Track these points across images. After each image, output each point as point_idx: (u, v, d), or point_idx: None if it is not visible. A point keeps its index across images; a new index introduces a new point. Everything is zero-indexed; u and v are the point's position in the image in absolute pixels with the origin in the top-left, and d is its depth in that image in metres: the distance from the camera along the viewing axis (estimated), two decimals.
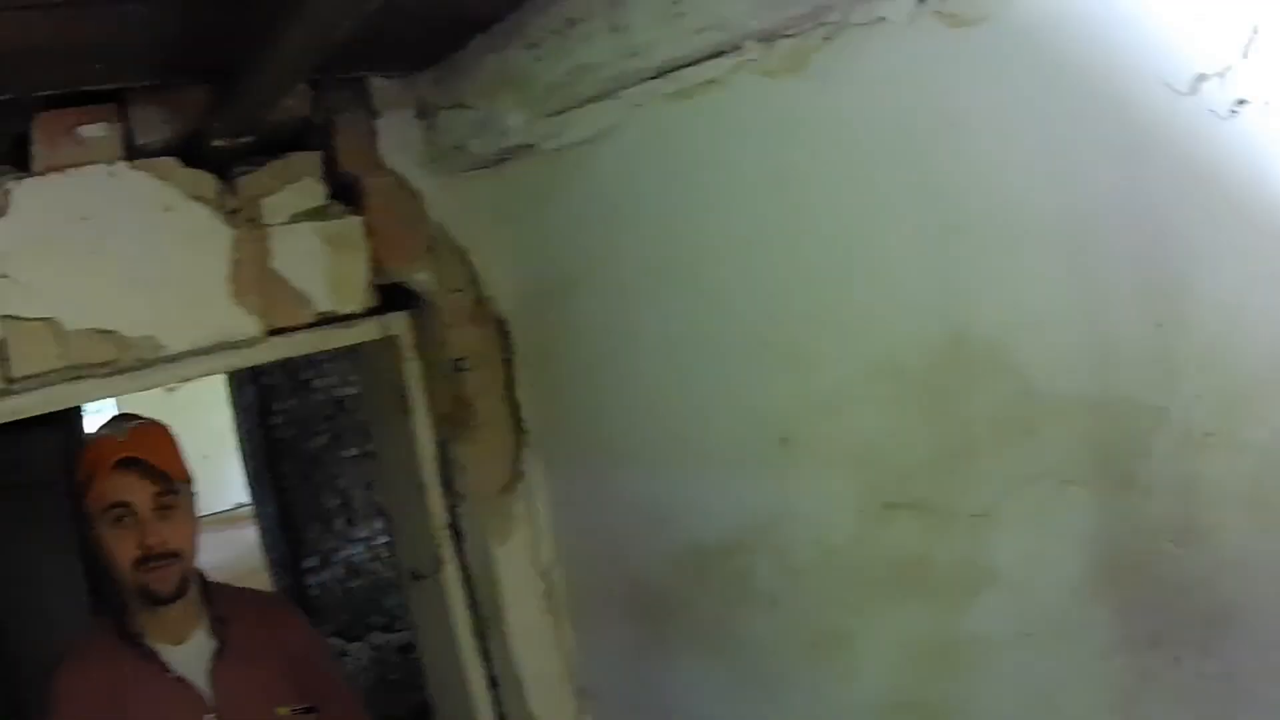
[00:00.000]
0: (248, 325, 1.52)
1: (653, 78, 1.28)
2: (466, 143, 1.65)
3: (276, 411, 5.34)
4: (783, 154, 1.19)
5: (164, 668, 1.35)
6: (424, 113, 1.68)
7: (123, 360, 1.46)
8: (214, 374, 1.60)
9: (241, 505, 6.59)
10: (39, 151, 1.43)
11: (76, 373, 1.45)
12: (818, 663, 1.31)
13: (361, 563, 5.52)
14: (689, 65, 1.23)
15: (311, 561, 5.34)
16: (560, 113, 1.47)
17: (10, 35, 1.18)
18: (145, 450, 1.30)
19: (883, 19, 1.03)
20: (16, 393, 1.43)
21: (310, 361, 5.15)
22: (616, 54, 1.27)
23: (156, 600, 1.31)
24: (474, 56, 1.58)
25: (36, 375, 1.41)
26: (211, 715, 1.35)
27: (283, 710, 1.41)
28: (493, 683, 1.77)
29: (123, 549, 1.30)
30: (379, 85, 1.63)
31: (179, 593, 1.33)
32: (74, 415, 4.69)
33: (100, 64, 1.40)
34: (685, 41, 1.19)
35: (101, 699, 1.34)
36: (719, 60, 1.20)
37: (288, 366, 5.06)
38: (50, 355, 1.41)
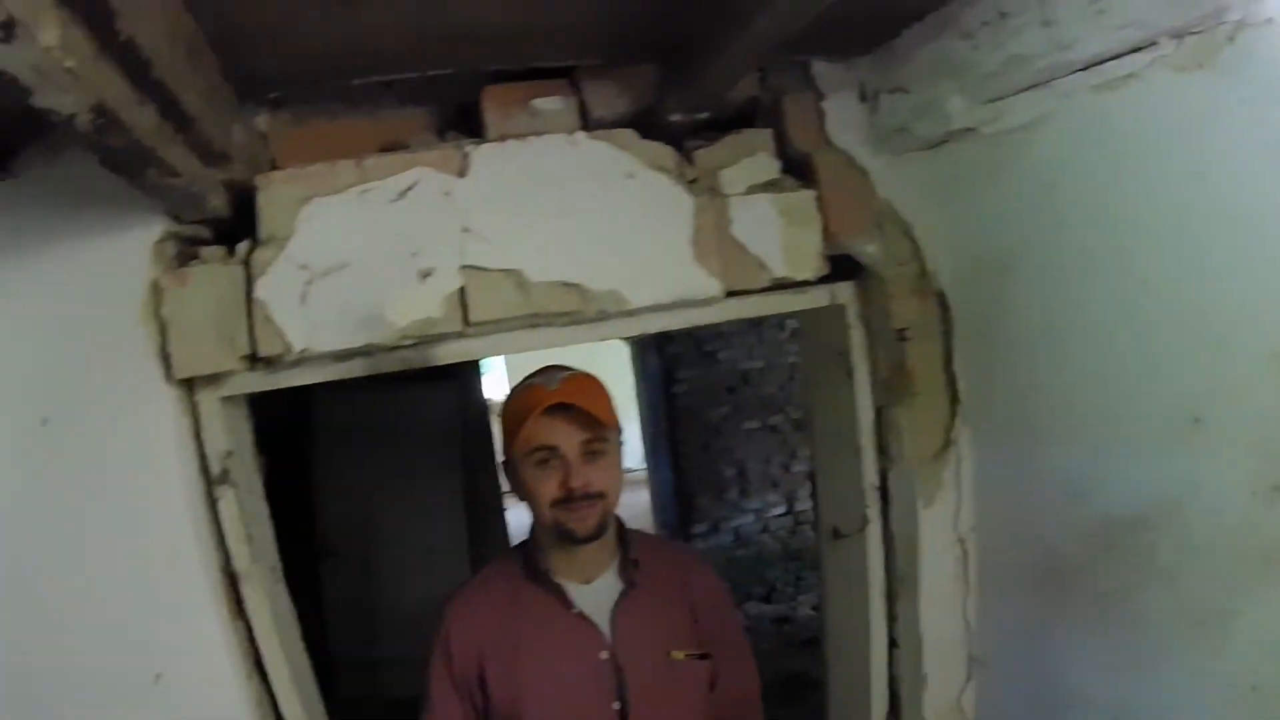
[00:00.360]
0: (709, 285, 1.59)
1: (1080, 70, 1.36)
2: (909, 125, 1.70)
3: (680, 380, 5.55)
4: (1197, 146, 1.25)
5: (567, 604, 1.38)
6: (865, 95, 1.73)
7: (585, 311, 1.55)
8: (670, 328, 1.69)
9: (634, 470, 6.76)
10: (491, 121, 1.58)
11: (535, 321, 1.55)
12: (1195, 641, 1.33)
13: (750, 534, 5.66)
14: (1111, 59, 1.31)
15: (701, 528, 5.55)
16: (997, 99, 1.52)
17: (467, 17, 1.35)
18: (576, 397, 1.31)
19: (1270, 20, 1.11)
20: (471, 335, 1.55)
21: (716, 333, 5.37)
22: (1047, 46, 1.36)
23: (573, 539, 1.33)
24: (910, 44, 1.65)
25: (494, 321, 1.52)
26: (606, 653, 1.37)
27: (677, 654, 1.41)
28: (892, 643, 1.78)
29: (545, 489, 1.33)
30: (821, 68, 1.69)
31: (597, 534, 1.34)
32: (469, 374, 5.30)
33: (552, 44, 1.55)
34: (1107, 37, 1.28)
35: (494, 626, 1.40)
36: (1136, 55, 1.28)
37: (693, 337, 5.34)
38: (512, 303, 1.51)
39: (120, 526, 1.55)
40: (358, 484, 4.43)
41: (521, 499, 1.41)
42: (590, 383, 1.38)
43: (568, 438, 1.31)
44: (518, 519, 5.86)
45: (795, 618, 5.20)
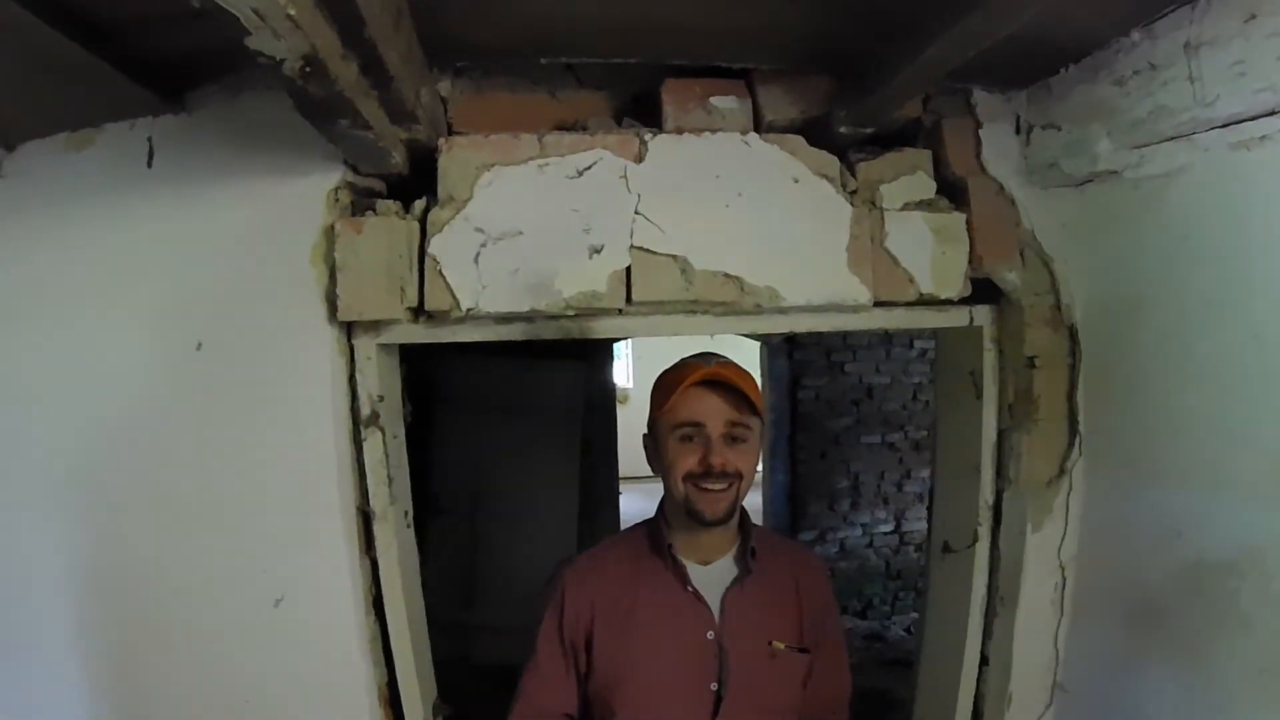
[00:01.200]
0: (860, 293, 1.65)
1: (1219, 126, 1.44)
2: (1058, 161, 1.77)
3: (805, 387, 5.54)
4: None
5: (685, 581, 1.41)
6: (1019, 128, 1.77)
7: (741, 304, 1.60)
8: (817, 329, 1.73)
9: None
10: (670, 113, 1.64)
11: (694, 307, 1.61)
12: (1268, 688, 1.38)
13: (855, 547, 5.68)
14: (1249, 120, 1.38)
15: (808, 535, 5.55)
16: (1142, 146, 1.60)
17: (662, 11, 1.42)
18: (730, 377, 1.32)
19: None
20: (630, 314, 1.61)
21: (844, 344, 5.40)
22: (1190, 101, 1.44)
23: (701, 521, 1.35)
24: (1066, 83, 1.72)
25: (654, 302, 1.58)
26: (713, 633, 1.39)
27: (779, 645, 1.43)
28: (984, 661, 1.83)
29: (684, 462, 1.35)
30: (981, 97, 1.73)
31: (725, 519, 1.37)
32: (599, 357, 5.34)
33: (735, 45, 1.62)
34: (1246, 98, 1.36)
35: (609, 592, 1.43)
36: (1272, 118, 1.35)
37: (822, 345, 5.36)
38: (675, 287, 1.57)
39: (262, 453, 1.62)
40: (475, 451, 4.51)
41: (657, 472, 1.44)
42: (744, 371, 1.39)
43: (714, 416, 1.33)
44: (631, 505, 5.75)
45: (887, 636, 5.22)
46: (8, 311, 1.75)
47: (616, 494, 5.43)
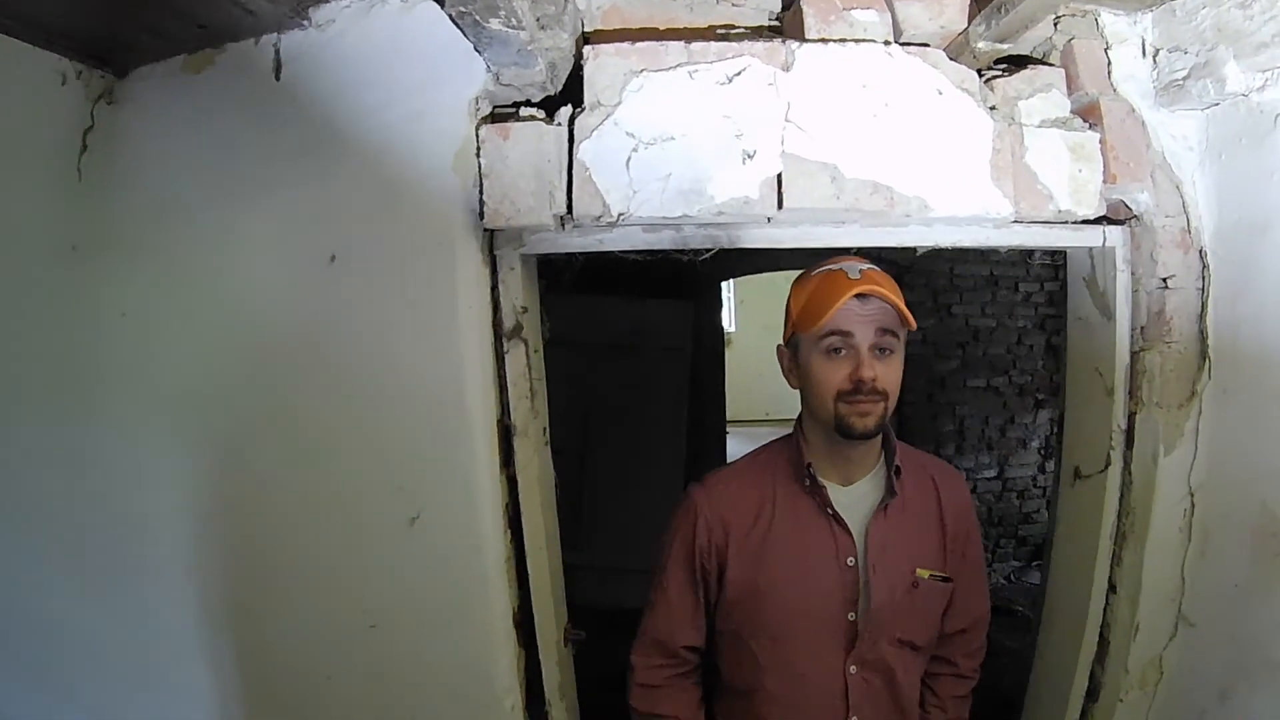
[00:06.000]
0: (1002, 207, 1.62)
1: None
2: (1185, 84, 1.76)
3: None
4: None
5: (825, 503, 1.36)
6: (1144, 50, 1.75)
7: (890, 214, 1.57)
8: (959, 244, 1.70)
9: None
10: (811, 23, 1.61)
11: (844, 215, 1.58)
12: None
13: None
14: None
15: None
16: (1267, 69, 1.58)
17: None
18: (880, 288, 1.27)
19: None
20: (779, 224, 1.59)
21: (951, 285, 5.34)
22: None
23: (850, 435, 1.30)
24: (1192, 6, 1.70)
25: (805, 209, 1.55)
26: (853, 559, 1.35)
27: (923, 572, 1.39)
28: (1111, 588, 1.80)
29: (832, 378, 1.30)
30: (1109, 19, 1.70)
31: (874, 433, 1.32)
32: (708, 296, 5.31)
33: None
34: None
35: (745, 513, 1.39)
36: None
37: (930, 287, 5.30)
38: (826, 195, 1.54)
39: (398, 368, 1.58)
40: (584, 391, 4.41)
41: (795, 386, 1.39)
42: (888, 278, 1.33)
43: (864, 328, 1.27)
44: (736, 448, 5.91)
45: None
46: (125, 236, 1.72)
47: (724, 437, 5.41)
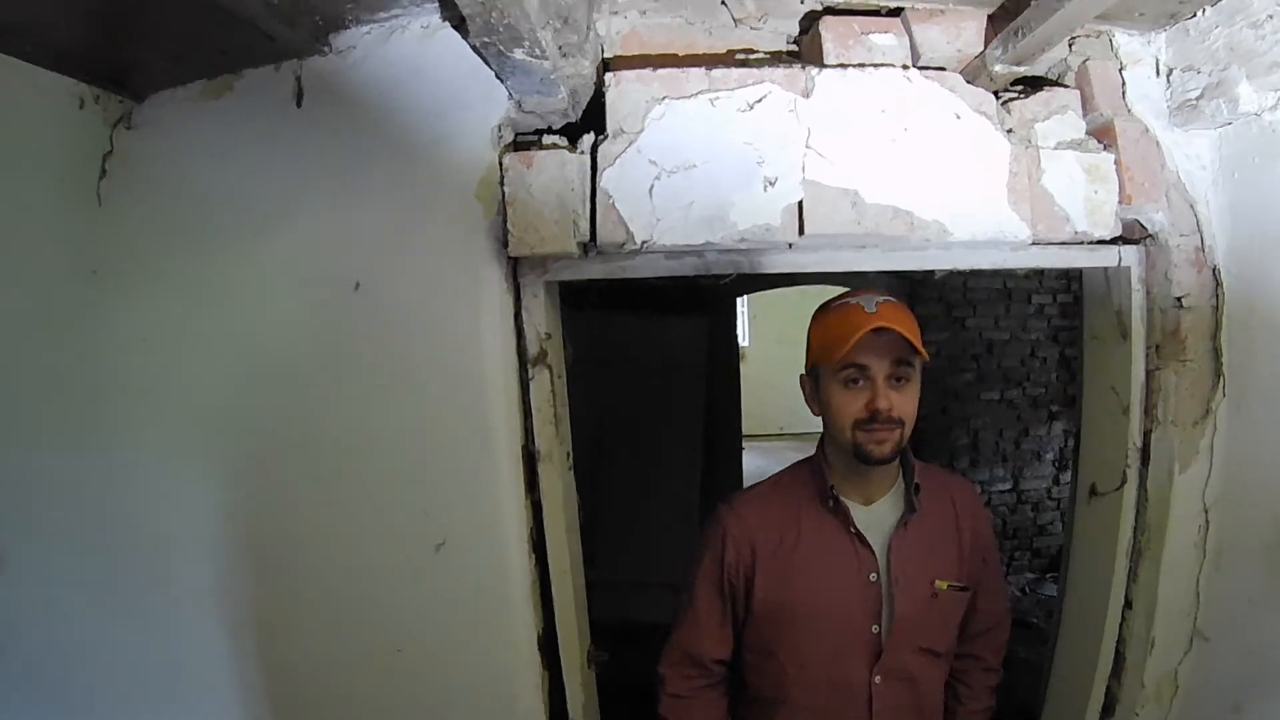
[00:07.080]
0: (1019, 230, 1.64)
1: None
2: (1198, 103, 1.77)
3: (928, 341, 5.66)
4: None
5: (848, 522, 1.42)
6: (1158, 70, 1.77)
7: (910, 239, 1.59)
8: (977, 267, 1.72)
9: None
10: (830, 48, 1.63)
11: (865, 241, 1.60)
12: None
13: None
14: None
15: None
16: (1278, 89, 1.60)
17: None
18: (894, 322, 1.32)
19: None
20: (800, 249, 1.60)
21: (965, 299, 5.36)
22: None
23: (868, 461, 1.36)
24: (1205, 26, 1.73)
25: (826, 235, 1.56)
26: (875, 574, 1.41)
27: (941, 584, 1.44)
28: (1127, 604, 1.82)
29: (849, 408, 1.36)
30: (1123, 39, 1.72)
31: (891, 458, 1.38)
32: (722, 312, 5.28)
33: None
34: None
35: (771, 533, 1.45)
36: None
37: (944, 301, 5.31)
38: (847, 221, 1.56)
39: (423, 395, 1.59)
40: (599, 406, 4.39)
41: (817, 414, 1.45)
42: (905, 311, 1.38)
43: (879, 360, 1.33)
44: (751, 463, 5.68)
45: None
46: (145, 260, 1.72)
47: (739, 451, 5.40)
